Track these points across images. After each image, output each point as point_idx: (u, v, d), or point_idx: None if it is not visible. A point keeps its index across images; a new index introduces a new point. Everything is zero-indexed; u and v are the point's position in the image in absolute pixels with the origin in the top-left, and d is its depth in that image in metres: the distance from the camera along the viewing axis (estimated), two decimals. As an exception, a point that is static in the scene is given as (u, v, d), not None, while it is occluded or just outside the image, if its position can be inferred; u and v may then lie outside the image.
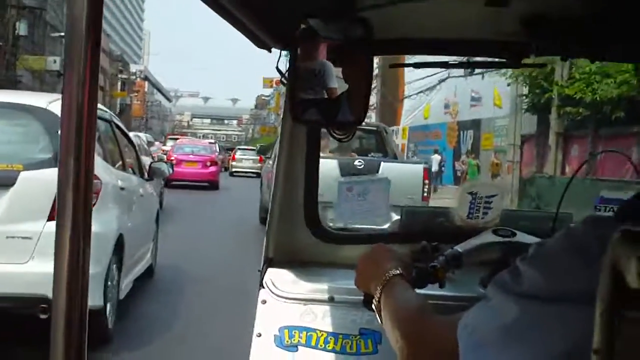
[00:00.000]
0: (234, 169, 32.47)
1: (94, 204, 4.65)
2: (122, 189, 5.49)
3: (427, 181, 9.24)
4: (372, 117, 38.31)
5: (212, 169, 22.32)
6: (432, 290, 1.46)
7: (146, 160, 13.08)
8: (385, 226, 1.95)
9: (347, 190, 1.92)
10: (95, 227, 3.86)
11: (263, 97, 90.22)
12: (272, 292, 1.67)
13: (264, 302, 1.67)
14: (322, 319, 1.63)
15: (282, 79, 1.60)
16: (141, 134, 38.99)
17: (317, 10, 1.51)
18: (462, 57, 2.00)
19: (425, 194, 9.11)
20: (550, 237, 0.87)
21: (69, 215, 0.85)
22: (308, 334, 1.61)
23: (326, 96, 1.50)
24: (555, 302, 0.79)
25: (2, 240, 4.47)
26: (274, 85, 61.26)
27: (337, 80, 1.52)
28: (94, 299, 4.57)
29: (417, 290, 1.29)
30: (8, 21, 33.20)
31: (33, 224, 4.47)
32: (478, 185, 2.08)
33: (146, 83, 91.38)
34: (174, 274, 7.85)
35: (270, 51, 1.72)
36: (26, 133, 4.88)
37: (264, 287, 1.69)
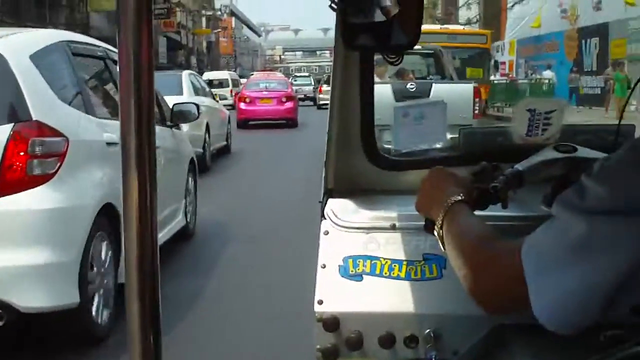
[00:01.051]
0: (320, 102, 31.90)
1: (55, 171, 3.59)
2: (111, 144, 4.30)
3: (477, 99, 10.48)
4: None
5: (289, 104, 22.04)
6: (494, 211, 1.54)
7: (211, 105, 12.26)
8: (440, 145, 2.00)
9: (403, 116, 1.99)
10: (59, 202, 3.35)
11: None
12: (334, 223, 1.78)
13: (326, 233, 1.77)
14: (385, 247, 1.73)
15: (332, 4, 1.65)
16: (224, 72, 38.91)
17: None
18: None
19: (477, 112, 10.39)
20: (612, 150, 0.93)
21: (134, 173, 0.90)
22: (372, 262, 1.72)
23: (380, 19, 1.55)
24: (622, 215, 0.85)
25: None
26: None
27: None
28: (64, 297, 3.68)
29: (479, 212, 1.41)
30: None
31: None
32: (536, 101, 1.97)
33: (233, 19, 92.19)
34: (219, 233, 7.02)
35: None
36: None
37: (325, 218, 1.79)
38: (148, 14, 0.93)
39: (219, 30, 76.27)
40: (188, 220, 6.47)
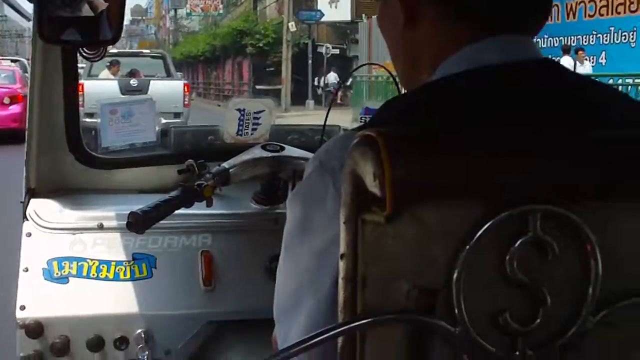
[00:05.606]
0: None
1: None
2: None
3: (187, 93, 13.35)
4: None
5: (13, 108, 14.23)
6: (201, 209, 1.65)
7: None
8: (149, 142, 2.02)
9: (110, 113, 1.98)
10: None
11: (139, 7, 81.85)
12: (37, 224, 1.75)
13: (29, 234, 1.75)
14: (92, 248, 1.74)
15: None
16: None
17: None
18: None
19: (186, 102, 13.19)
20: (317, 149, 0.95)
21: None
22: (79, 264, 1.72)
23: (86, 13, 1.55)
24: (308, 234, 0.84)
25: None
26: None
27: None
28: None
29: (186, 210, 1.58)
30: None
31: None
32: (245, 102, 2.08)
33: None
34: None
35: None
36: None
37: (27, 220, 1.77)
38: None
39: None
40: None
